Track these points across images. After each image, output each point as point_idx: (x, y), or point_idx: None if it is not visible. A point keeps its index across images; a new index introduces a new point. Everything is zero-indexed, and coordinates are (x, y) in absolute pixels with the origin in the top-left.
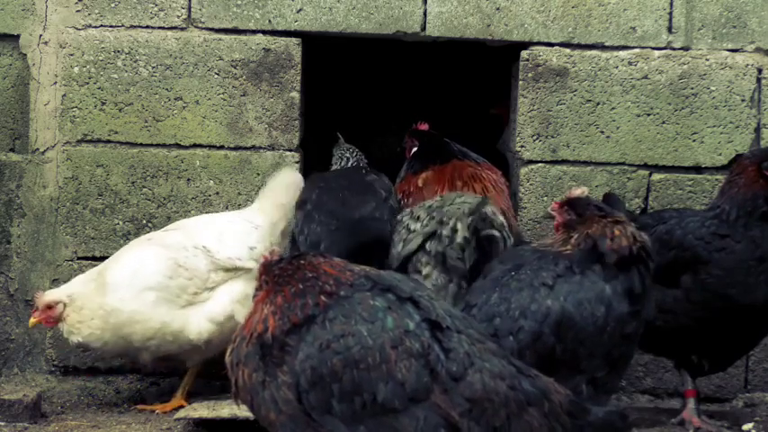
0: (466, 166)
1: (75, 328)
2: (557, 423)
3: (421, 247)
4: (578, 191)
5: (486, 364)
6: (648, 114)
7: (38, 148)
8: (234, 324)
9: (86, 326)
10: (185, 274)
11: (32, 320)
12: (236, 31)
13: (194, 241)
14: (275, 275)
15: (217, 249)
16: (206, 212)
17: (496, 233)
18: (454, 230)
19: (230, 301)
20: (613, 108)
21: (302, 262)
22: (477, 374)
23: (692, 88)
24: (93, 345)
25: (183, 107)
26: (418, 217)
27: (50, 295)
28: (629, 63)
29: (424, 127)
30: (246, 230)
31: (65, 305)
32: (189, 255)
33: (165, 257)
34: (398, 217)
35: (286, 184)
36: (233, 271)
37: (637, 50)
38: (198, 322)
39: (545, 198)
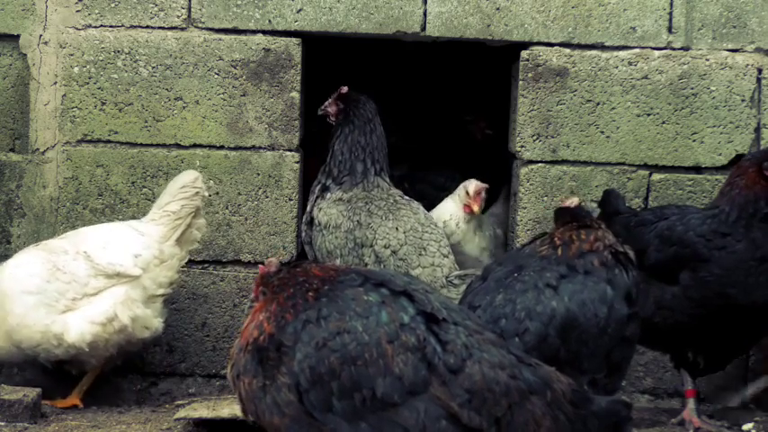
0: None
1: None
2: (559, 412)
3: None
4: (570, 200)
5: (484, 354)
6: (648, 114)
7: (38, 149)
8: (119, 325)
9: None
10: (64, 277)
11: None
12: (236, 31)
13: (77, 247)
14: (274, 285)
15: (98, 255)
16: (206, 213)
17: None
18: None
19: (112, 303)
20: (613, 108)
21: (297, 270)
22: (475, 365)
23: (692, 88)
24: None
25: (183, 107)
26: None
27: None
28: (630, 63)
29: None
30: (132, 238)
31: None
32: (68, 259)
33: (43, 261)
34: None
35: (178, 188)
36: (115, 277)
37: (637, 50)
38: (78, 324)
39: (545, 198)
